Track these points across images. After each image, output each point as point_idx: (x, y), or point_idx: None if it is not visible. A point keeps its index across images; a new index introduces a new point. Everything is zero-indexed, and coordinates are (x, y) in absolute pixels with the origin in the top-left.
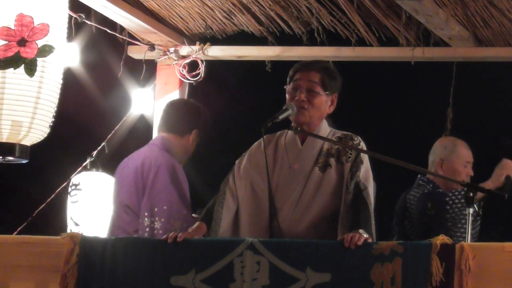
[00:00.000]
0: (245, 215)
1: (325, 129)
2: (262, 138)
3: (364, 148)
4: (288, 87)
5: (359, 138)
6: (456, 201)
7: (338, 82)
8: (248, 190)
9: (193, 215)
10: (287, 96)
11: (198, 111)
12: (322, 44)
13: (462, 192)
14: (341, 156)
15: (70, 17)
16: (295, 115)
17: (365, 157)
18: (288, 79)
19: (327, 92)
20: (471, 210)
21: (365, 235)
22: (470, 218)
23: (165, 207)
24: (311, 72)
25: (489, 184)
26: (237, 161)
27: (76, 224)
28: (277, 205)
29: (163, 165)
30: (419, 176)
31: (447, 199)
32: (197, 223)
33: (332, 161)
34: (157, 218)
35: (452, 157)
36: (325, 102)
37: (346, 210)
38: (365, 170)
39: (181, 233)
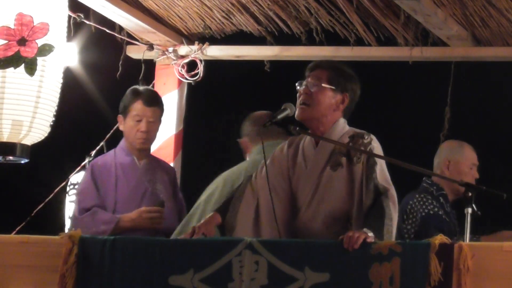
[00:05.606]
0: (266, 214)
1: (341, 128)
2: (285, 142)
3: (376, 146)
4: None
5: (371, 136)
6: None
7: (351, 83)
8: (267, 190)
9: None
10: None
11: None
12: (320, 43)
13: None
14: (351, 155)
15: (69, 16)
16: (296, 112)
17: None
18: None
19: (333, 87)
20: (470, 210)
21: (369, 234)
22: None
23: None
24: (318, 69)
25: None
26: (262, 161)
27: None
28: (297, 205)
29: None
30: (424, 178)
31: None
32: (211, 213)
33: (344, 160)
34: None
35: (458, 158)
36: (330, 97)
37: (362, 212)
38: (381, 170)
39: (198, 224)
